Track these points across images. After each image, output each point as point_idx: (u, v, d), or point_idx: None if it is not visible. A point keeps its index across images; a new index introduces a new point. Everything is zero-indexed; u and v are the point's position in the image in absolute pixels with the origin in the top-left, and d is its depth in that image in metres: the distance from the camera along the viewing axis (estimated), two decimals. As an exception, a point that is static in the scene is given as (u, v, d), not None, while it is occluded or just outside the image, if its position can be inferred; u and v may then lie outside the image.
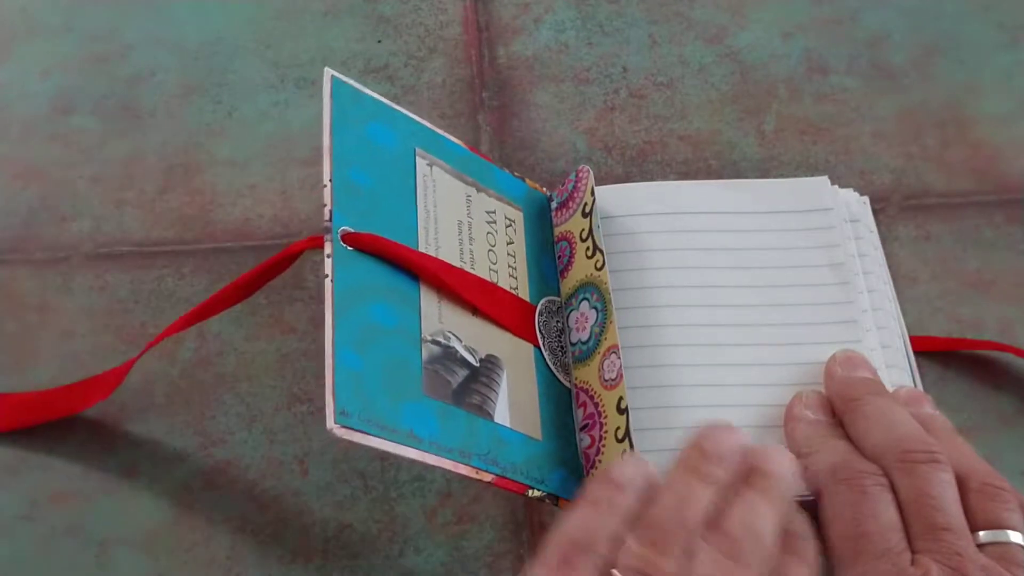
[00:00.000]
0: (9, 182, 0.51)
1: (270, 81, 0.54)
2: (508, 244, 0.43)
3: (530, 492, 0.38)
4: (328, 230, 0.38)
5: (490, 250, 0.43)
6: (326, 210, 0.38)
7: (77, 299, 0.48)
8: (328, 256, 0.37)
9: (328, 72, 0.41)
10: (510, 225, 0.44)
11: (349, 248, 0.38)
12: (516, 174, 0.46)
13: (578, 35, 0.55)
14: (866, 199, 0.47)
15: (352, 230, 0.38)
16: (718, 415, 0.39)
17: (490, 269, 0.42)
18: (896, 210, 0.49)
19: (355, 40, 0.55)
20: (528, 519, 0.42)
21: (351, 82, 0.42)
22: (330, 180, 0.39)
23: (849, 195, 0.45)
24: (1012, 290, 0.47)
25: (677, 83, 0.53)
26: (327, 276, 0.37)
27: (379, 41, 0.55)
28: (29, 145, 0.52)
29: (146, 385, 0.46)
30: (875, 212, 0.48)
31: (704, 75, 0.54)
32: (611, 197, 0.46)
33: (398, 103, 0.53)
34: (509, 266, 0.43)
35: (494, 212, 0.43)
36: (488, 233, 0.43)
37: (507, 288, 0.42)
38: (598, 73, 0.54)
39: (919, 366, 0.42)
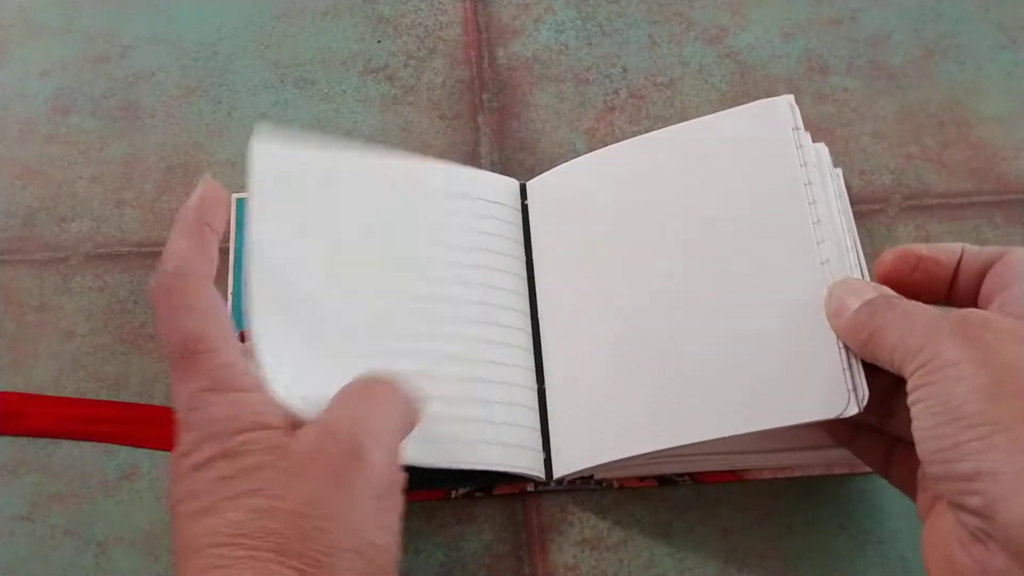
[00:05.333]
0: (9, 182, 0.51)
1: (270, 81, 0.54)
2: None
3: None
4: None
5: None
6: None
7: (77, 299, 0.48)
8: None
9: (234, 197, 0.47)
10: None
11: None
12: None
13: (578, 35, 0.55)
14: (822, 146, 0.43)
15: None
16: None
17: None
18: (896, 210, 0.49)
19: (355, 40, 0.55)
20: (526, 519, 0.42)
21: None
22: (231, 293, 0.46)
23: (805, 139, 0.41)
24: (1012, 290, 0.47)
25: (677, 83, 0.53)
26: None
27: (379, 41, 0.55)
28: (29, 145, 0.52)
29: (146, 385, 0.46)
30: (875, 212, 0.48)
31: (704, 75, 0.54)
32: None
33: (397, 104, 0.53)
34: None
35: None
36: None
37: None
38: (598, 73, 0.54)
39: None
